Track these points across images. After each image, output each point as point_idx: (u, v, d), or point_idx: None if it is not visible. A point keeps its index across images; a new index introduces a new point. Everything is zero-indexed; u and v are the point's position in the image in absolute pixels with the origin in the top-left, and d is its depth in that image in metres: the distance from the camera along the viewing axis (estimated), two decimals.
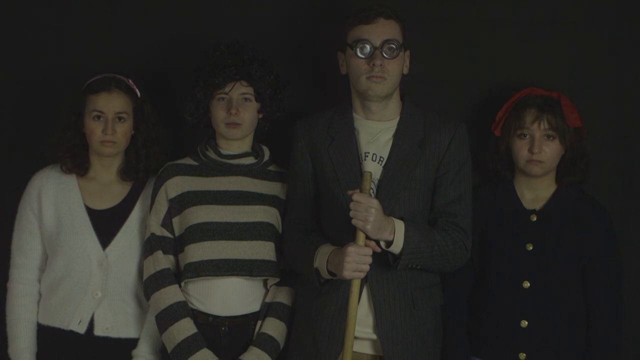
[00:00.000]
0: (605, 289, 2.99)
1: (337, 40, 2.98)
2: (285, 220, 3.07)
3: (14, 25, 3.42)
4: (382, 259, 2.82)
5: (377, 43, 2.86)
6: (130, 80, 3.14)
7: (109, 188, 3.16)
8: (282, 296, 3.06)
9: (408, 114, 2.97)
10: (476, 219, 2.99)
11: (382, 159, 2.92)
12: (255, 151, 3.15)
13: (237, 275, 3.00)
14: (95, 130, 3.07)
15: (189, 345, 2.95)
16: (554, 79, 3.15)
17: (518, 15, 3.25)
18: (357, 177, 2.87)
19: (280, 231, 3.08)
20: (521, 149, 3.02)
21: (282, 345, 3.04)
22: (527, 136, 3.01)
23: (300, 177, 3.02)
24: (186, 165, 3.11)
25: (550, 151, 3.00)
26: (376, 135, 2.94)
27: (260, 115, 3.12)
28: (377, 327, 2.85)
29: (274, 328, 3.02)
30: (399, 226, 2.79)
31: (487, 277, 3.05)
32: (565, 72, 3.21)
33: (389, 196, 2.87)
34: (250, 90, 3.06)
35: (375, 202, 2.73)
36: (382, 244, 2.79)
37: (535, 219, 3.03)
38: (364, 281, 2.82)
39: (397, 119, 2.96)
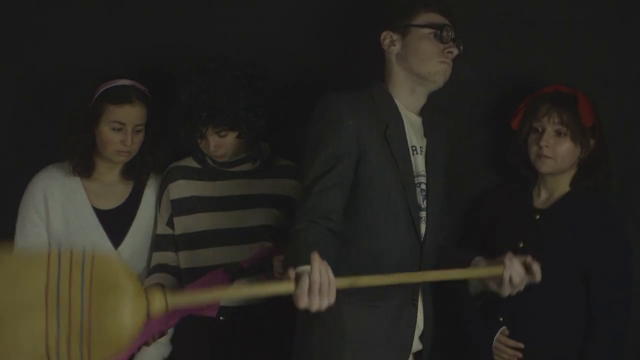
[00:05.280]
0: (609, 299, 2.88)
1: (338, 41, 2.96)
2: (304, 207, 2.60)
3: (14, 26, 3.41)
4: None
5: (453, 34, 2.83)
6: (145, 88, 3.11)
7: (112, 188, 3.16)
8: None
9: (423, 112, 2.90)
10: (486, 215, 2.97)
11: (422, 150, 2.84)
12: (253, 152, 3.12)
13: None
14: (113, 139, 3.05)
15: None
16: (554, 79, 3.14)
17: (518, 15, 3.25)
18: (410, 167, 2.77)
19: (281, 231, 3.05)
20: (533, 143, 2.98)
21: None
22: (540, 130, 2.97)
23: (345, 159, 2.66)
24: (189, 167, 3.12)
25: (560, 149, 2.94)
26: (416, 127, 2.85)
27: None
28: (423, 337, 2.82)
29: None
30: None
31: None
32: (565, 71, 3.21)
33: (435, 202, 2.83)
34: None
35: None
36: None
37: (537, 217, 3.00)
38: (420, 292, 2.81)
39: (419, 116, 2.87)
